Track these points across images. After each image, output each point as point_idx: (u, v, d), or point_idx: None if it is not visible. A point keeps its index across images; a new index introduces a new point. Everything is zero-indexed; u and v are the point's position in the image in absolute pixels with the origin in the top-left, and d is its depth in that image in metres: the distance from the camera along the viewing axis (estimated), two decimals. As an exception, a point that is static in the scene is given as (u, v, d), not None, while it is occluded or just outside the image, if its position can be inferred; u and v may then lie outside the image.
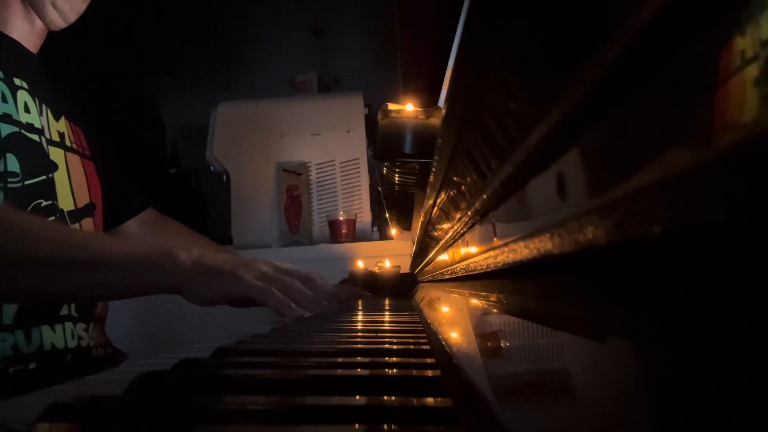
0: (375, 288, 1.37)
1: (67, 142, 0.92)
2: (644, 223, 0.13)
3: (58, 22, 0.88)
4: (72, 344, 0.84)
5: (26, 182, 0.81)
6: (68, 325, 0.84)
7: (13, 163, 0.79)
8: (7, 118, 0.80)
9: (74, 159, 0.93)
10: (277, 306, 0.71)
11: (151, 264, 0.70)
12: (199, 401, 0.26)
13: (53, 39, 0.95)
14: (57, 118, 0.91)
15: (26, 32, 0.88)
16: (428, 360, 0.36)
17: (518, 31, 0.22)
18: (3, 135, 0.79)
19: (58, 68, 0.98)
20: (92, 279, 0.68)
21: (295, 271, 0.77)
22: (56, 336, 0.82)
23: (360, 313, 0.86)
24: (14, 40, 0.87)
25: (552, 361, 0.22)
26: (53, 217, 0.84)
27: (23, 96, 0.84)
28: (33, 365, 0.78)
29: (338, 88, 2.81)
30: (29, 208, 0.81)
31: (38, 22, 0.88)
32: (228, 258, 0.74)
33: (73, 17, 0.89)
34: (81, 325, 0.87)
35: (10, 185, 0.78)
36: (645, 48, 0.13)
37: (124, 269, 0.69)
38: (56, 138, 0.89)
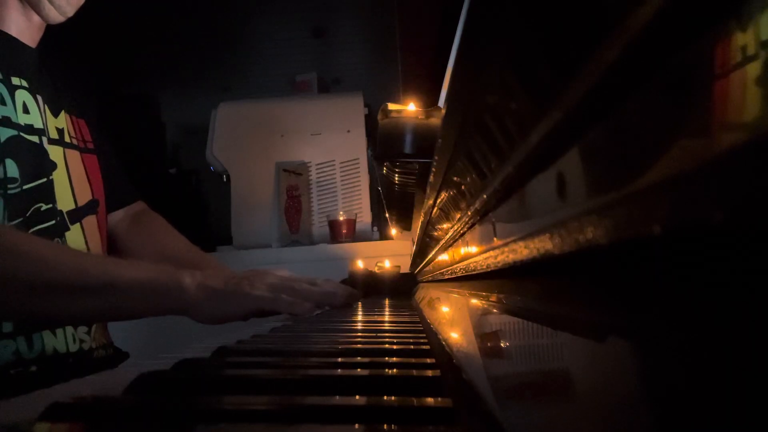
0: (375, 288, 1.37)
1: (67, 138, 0.90)
2: (644, 223, 0.13)
3: (56, 17, 0.86)
4: (73, 348, 0.84)
5: (25, 187, 0.79)
6: (69, 329, 0.84)
7: (12, 169, 0.78)
8: (6, 122, 0.78)
9: (74, 155, 0.91)
10: (289, 308, 0.74)
11: (156, 289, 0.71)
12: (199, 401, 0.26)
13: (54, 40, 0.94)
14: (56, 114, 0.90)
15: (24, 27, 0.87)
16: (428, 360, 0.36)
17: (518, 31, 0.22)
18: (2, 139, 0.77)
19: (59, 61, 0.97)
20: (98, 304, 0.69)
21: (297, 277, 0.80)
22: (57, 341, 0.81)
23: (360, 313, 0.86)
24: (12, 37, 0.85)
25: (552, 361, 0.22)
26: (53, 221, 0.83)
27: (22, 95, 0.82)
28: (34, 368, 0.77)
29: (338, 88, 2.82)
30: (29, 213, 0.80)
31: (35, 17, 0.86)
32: (231, 276, 0.76)
33: (70, 11, 0.87)
34: (82, 328, 0.87)
35: (9, 191, 0.77)
36: (644, 48, 0.13)
37: (131, 294, 0.70)
38: (55, 135, 0.88)
